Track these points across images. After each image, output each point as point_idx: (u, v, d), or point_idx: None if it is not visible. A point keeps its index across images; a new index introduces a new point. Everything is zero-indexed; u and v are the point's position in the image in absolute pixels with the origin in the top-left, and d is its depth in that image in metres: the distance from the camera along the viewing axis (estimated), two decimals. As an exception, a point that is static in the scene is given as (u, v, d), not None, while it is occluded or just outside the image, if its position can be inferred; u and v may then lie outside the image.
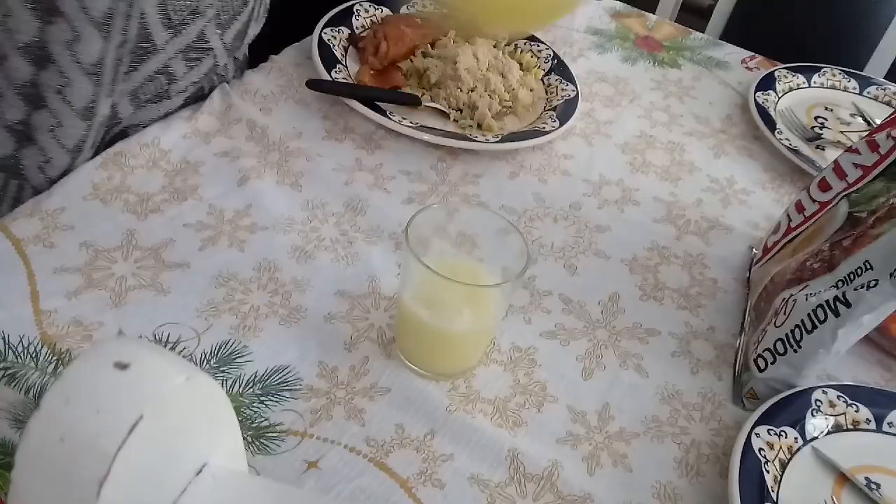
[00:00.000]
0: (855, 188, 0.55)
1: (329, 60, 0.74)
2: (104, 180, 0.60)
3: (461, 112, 0.74)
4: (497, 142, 0.70)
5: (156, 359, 0.25)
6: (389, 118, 0.69)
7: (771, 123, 0.82)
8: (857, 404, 0.53)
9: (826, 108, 0.89)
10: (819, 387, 0.52)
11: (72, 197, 0.58)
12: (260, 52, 0.77)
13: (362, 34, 0.80)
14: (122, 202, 0.59)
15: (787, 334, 0.51)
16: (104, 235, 0.56)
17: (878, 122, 0.87)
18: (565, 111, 0.76)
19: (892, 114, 0.56)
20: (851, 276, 0.49)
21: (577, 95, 0.78)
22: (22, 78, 0.54)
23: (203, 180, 0.62)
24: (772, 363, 0.52)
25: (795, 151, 0.78)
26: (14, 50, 0.53)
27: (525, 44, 0.84)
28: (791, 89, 0.89)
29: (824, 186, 0.58)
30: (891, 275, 0.47)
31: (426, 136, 0.69)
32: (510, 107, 0.76)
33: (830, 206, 0.57)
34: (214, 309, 0.52)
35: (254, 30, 0.72)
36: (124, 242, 0.56)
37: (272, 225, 0.60)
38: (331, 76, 0.72)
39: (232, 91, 0.71)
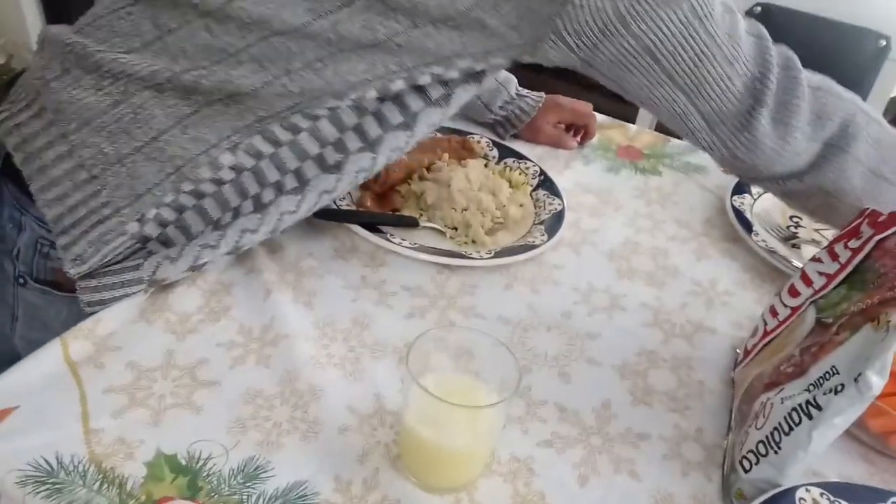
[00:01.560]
0: (820, 295, 0.60)
1: (334, 188, 0.80)
2: (150, 301, 0.66)
3: (456, 230, 0.80)
4: (490, 257, 0.76)
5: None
6: (390, 240, 0.75)
7: (748, 226, 0.87)
8: (840, 500, 0.55)
9: (800, 208, 0.94)
10: (802, 485, 0.55)
11: (122, 320, 0.63)
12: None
13: (364, 161, 0.87)
14: (164, 322, 0.64)
15: (767, 436, 0.55)
16: (147, 355, 0.61)
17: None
18: (553, 224, 0.82)
19: (848, 225, 0.62)
20: (821, 380, 0.53)
21: (563, 209, 0.84)
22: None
23: (234, 300, 0.68)
24: (756, 464, 0.55)
25: (772, 252, 0.83)
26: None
27: (514, 162, 0.91)
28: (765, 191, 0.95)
29: (794, 293, 0.63)
30: (855, 379, 0.51)
31: (424, 256, 0.74)
32: (502, 222, 0.82)
33: (800, 311, 0.61)
34: (242, 426, 0.57)
35: None
36: (164, 362, 0.61)
37: (292, 333, 0.65)
38: (336, 204, 0.78)
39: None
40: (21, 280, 0.69)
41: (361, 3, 0.57)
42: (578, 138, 1.01)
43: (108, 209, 0.62)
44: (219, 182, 0.63)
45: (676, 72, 0.60)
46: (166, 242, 0.65)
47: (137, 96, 0.61)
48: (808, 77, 0.65)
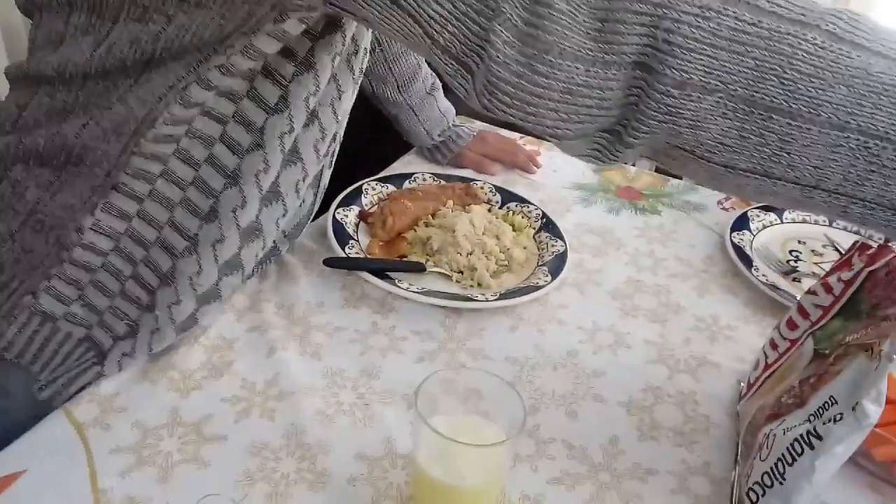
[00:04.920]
0: (817, 326, 0.62)
1: (342, 237, 0.83)
2: (153, 363, 0.67)
3: (462, 274, 0.82)
4: (496, 299, 0.78)
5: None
6: (398, 286, 0.77)
7: (748, 261, 0.89)
8: (849, 531, 0.56)
9: (799, 242, 0.96)
10: (810, 516, 0.56)
11: (126, 381, 0.65)
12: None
13: (371, 210, 0.90)
14: (168, 381, 0.66)
15: (771, 468, 0.56)
16: (153, 414, 0.62)
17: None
18: (557, 265, 0.84)
19: (839, 259, 0.64)
20: (820, 410, 0.54)
21: (566, 250, 0.86)
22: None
23: (236, 355, 0.70)
24: (762, 496, 0.56)
25: (773, 286, 0.85)
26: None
27: (516, 206, 0.94)
28: (765, 227, 0.97)
29: (791, 325, 0.65)
30: (853, 408, 0.52)
31: (432, 300, 0.76)
32: (506, 265, 0.84)
33: (799, 343, 0.63)
34: (250, 478, 0.58)
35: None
36: (170, 420, 0.62)
37: (297, 390, 0.66)
38: (345, 252, 0.81)
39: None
40: None
41: (124, 15, 0.55)
42: (499, 166, 1.07)
43: (15, 283, 0.64)
44: (97, 251, 0.63)
45: None
46: (102, 328, 0.66)
47: (13, 170, 0.63)
48: None
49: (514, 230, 0.88)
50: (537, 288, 0.80)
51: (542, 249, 0.88)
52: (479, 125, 1.14)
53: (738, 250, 0.91)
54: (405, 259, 0.84)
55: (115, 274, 0.65)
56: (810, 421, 0.54)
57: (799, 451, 0.54)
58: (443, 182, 0.97)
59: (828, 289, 0.62)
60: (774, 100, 0.40)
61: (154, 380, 0.66)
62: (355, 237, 0.85)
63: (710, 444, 0.66)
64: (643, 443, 0.65)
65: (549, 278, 0.82)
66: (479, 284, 0.81)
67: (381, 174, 0.97)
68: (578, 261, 0.89)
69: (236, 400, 0.65)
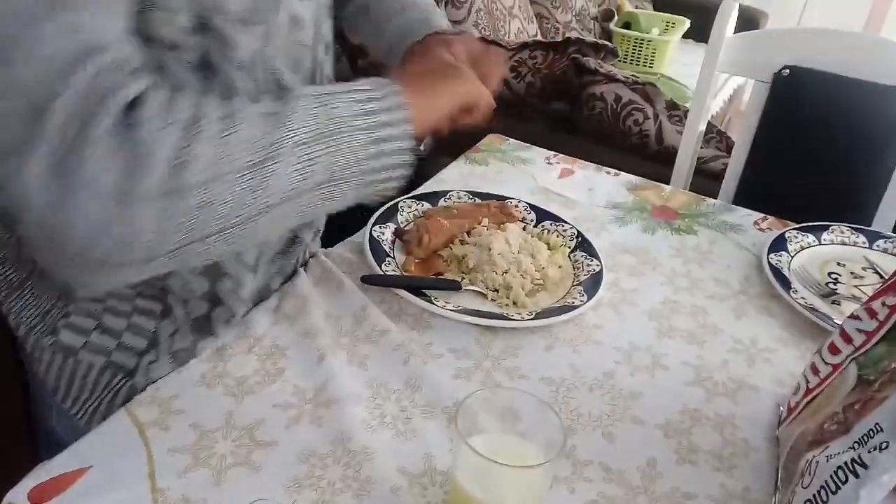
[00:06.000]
0: (861, 352, 0.61)
1: (379, 255, 0.84)
2: (210, 368, 0.70)
3: (498, 292, 0.83)
4: (532, 318, 0.78)
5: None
6: (434, 304, 0.78)
7: (786, 283, 0.88)
8: (894, 562, 0.55)
9: (838, 264, 0.95)
10: (854, 545, 0.55)
11: (184, 385, 0.68)
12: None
13: (407, 227, 0.91)
14: (224, 386, 0.68)
15: (814, 495, 0.55)
16: (209, 417, 0.64)
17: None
18: (592, 285, 0.84)
19: (884, 283, 0.63)
20: (865, 438, 0.53)
21: (601, 270, 0.86)
22: None
23: (288, 363, 0.71)
24: (804, 524, 0.55)
25: (812, 309, 0.84)
26: None
27: (551, 224, 0.94)
28: (802, 248, 0.96)
29: (834, 350, 0.64)
30: (899, 436, 0.51)
31: (468, 318, 0.77)
32: (541, 284, 0.84)
33: (841, 368, 0.62)
34: (298, 485, 0.59)
35: None
36: (224, 423, 0.64)
37: (345, 397, 0.67)
38: (381, 270, 0.81)
39: (308, 277, 0.82)
40: None
41: None
42: None
43: (23, 329, 0.69)
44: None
45: None
46: (122, 350, 0.70)
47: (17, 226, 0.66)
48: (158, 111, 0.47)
49: (549, 249, 0.88)
50: (573, 307, 0.80)
51: (578, 269, 0.88)
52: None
53: (776, 272, 0.90)
54: (441, 277, 0.85)
55: (122, 297, 0.68)
56: (854, 448, 0.54)
57: (843, 479, 0.53)
58: (478, 200, 0.97)
59: (872, 314, 0.62)
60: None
61: (210, 384, 0.68)
62: (391, 254, 0.86)
63: (749, 468, 0.65)
64: (681, 466, 0.65)
65: (584, 298, 0.82)
66: (515, 303, 0.82)
67: (417, 192, 0.98)
68: (614, 280, 0.89)
69: (287, 406, 0.67)
